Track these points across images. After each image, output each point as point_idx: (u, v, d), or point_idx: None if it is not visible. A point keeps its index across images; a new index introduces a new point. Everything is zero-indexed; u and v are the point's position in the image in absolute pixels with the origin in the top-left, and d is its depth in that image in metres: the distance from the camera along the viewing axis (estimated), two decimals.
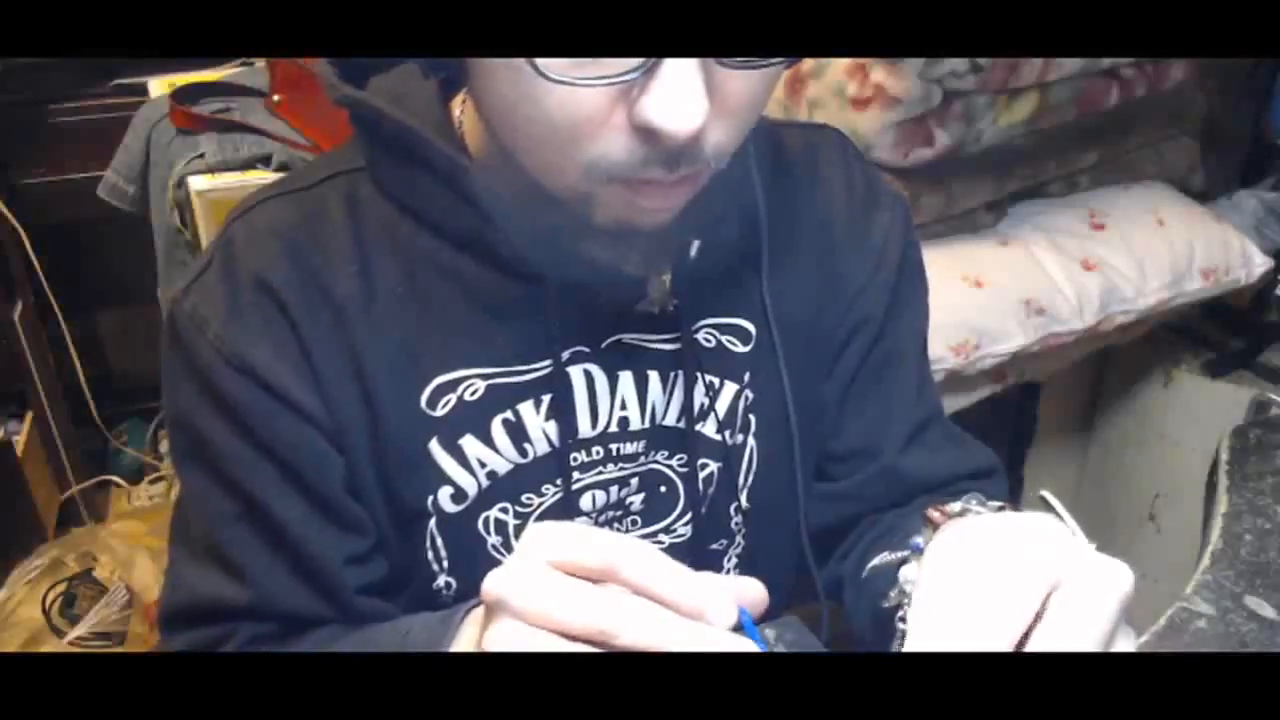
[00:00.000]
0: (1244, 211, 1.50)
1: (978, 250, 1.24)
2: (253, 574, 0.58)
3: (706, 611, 0.41)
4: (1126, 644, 0.43)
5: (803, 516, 0.67)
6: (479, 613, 0.49)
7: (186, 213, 1.32)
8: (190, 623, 0.61)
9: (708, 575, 0.43)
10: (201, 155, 1.32)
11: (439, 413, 0.58)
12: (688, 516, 0.66)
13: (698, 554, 0.67)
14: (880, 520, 0.69)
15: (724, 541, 0.68)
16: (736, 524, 0.68)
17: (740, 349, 0.64)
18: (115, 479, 2.04)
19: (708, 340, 0.63)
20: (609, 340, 0.60)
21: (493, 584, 0.42)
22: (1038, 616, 0.41)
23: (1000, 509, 0.52)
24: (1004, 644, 0.41)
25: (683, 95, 0.44)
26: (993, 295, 1.20)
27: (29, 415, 1.80)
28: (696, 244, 0.59)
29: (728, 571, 0.69)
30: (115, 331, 2.15)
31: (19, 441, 1.74)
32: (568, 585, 0.41)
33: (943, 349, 1.16)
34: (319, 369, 0.56)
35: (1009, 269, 1.22)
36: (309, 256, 0.56)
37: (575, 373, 0.60)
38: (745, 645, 0.42)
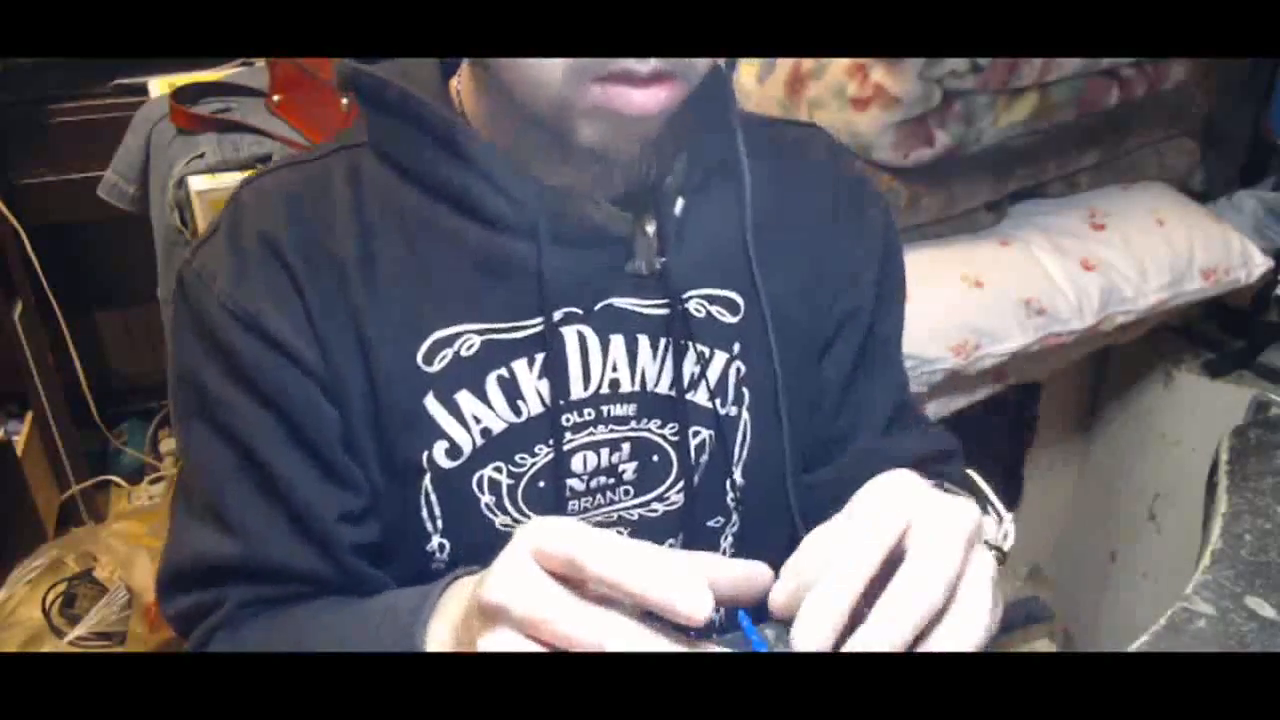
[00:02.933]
0: (1244, 211, 1.50)
1: (978, 250, 1.24)
2: (247, 529, 0.60)
3: (676, 603, 0.41)
4: (984, 571, 0.46)
5: (793, 495, 0.69)
6: (457, 589, 0.51)
7: (186, 213, 1.32)
8: (185, 586, 0.62)
9: (678, 559, 0.43)
10: (201, 155, 1.32)
11: (435, 368, 0.60)
12: (680, 485, 0.67)
13: (692, 529, 0.68)
14: None
15: (720, 519, 0.69)
16: (732, 500, 0.69)
17: (730, 319, 0.66)
18: (115, 479, 2.04)
19: (698, 310, 0.65)
20: (601, 304, 0.62)
21: (491, 592, 0.43)
22: (899, 554, 0.45)
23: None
24: (864, 570, 0.44)
25: None
26: (993, 295, 1.20)
27: (29, 415, 1.80)
28: (681, 201, 0.62)
29: (724, 551, 0.70)
30: (115, 331, 2.15)
31: (19, 441, 1.74)
32: (563, 599, 0.42)
33: (943, 349, 1.16)
34: (320, 325, 0.58)
35: (1009, 269, 1.22)
36: (312, 219, 0.59)
37: (568, 333, 0.62)
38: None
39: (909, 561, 0.45)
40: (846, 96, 1.12)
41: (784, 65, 1.19)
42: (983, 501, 0.59)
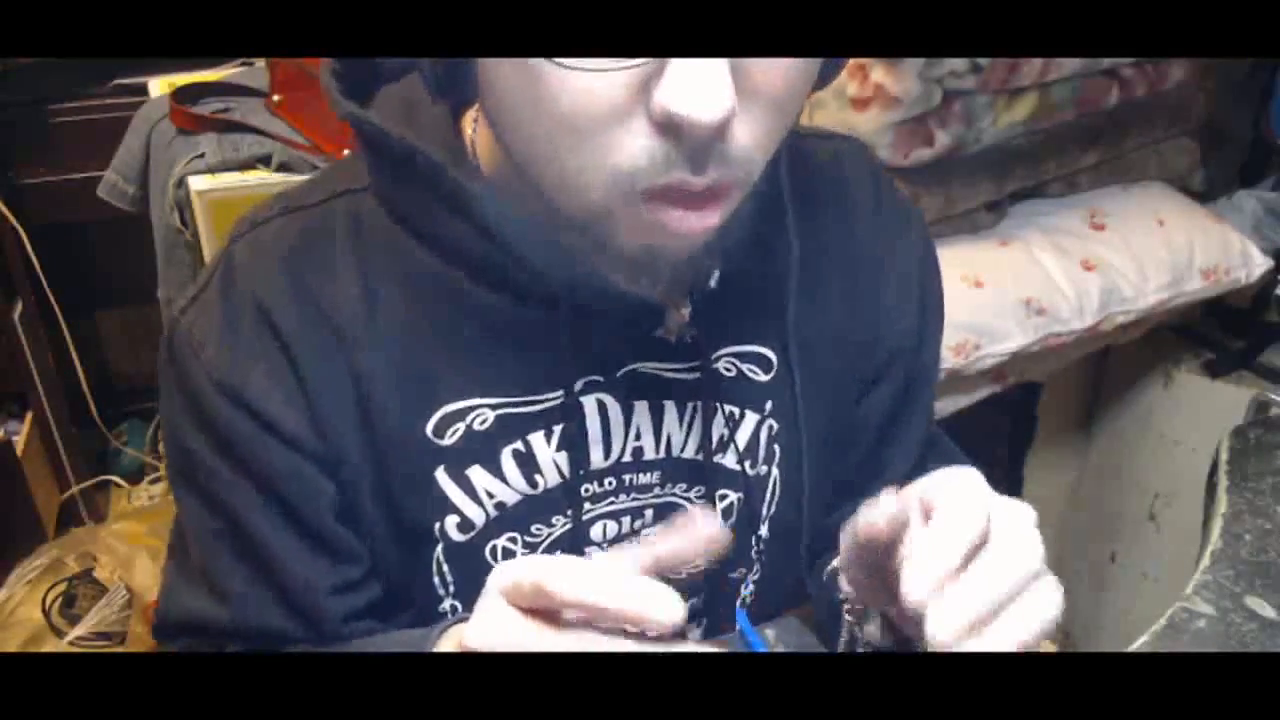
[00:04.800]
0: (1244, 211, 1.50)
1: (978, 250, 1.24)
2: (235, 597, 0.58)
3: (647, 614, 0.40)
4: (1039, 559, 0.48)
5: (804, 548, 0.67)
6: (455, 633, 0.50)
7: (186, 213, 1.32)
8: (181, 635, 0.62)
9: (626, 561, 0.43)
10: (201, 155, 1.32)
11: (446, 441, 0.56)
12: None
13: (715, 582, 0.66)
14: None
15: (743, 570, 0.67)
16: (757, 553, 0.66)
17: (762, 378, 0.62)
18: (115, 479, 2.04)
19: (728, 369, 0.61)
20: (624, 370, 0.58)
21: (475, 639, 0.43)
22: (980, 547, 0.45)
23: None
24: (957, 556, 0.44)
25: (704, 81, 0.41)
26: (993, 295, 1.20)
27: (29, 415, 1.79)
28: (716, 274, 0.58)
29: (743, 599, 0.69)
30: (115, 331, 2.15)
31: (19, 441, 1.74)
32: (539, 631, 0.42)
33: (943, 349, 1.15)
34: (315, 395, 0.55)
35: (1009, 269, 1.22)
36: (310, 279, 0.55)
37: (588, 402, 0.58)
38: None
39: (991, 549, 0.45)
40: (846, 96, 1.12)
41: None
42: None
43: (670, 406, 0.60)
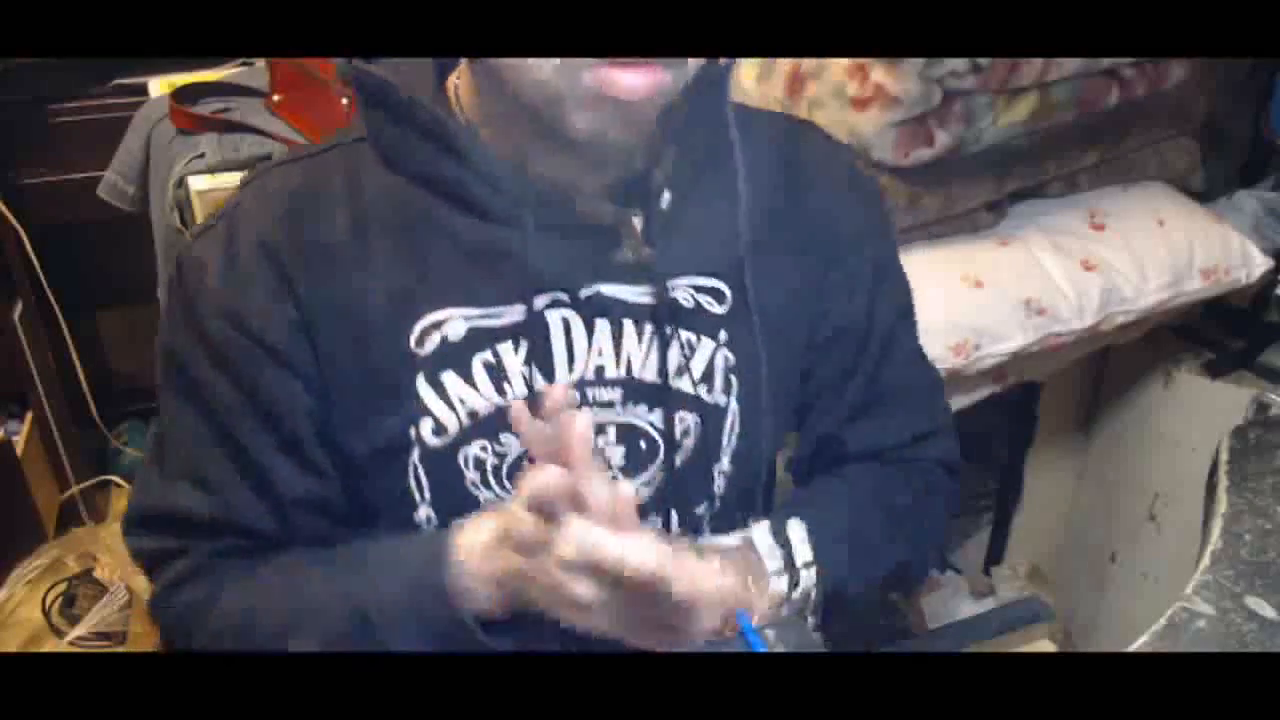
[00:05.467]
0: (1244, 211, 1.50)
1: (978, 250, 1.24)
2: (221, 490, 0.63)
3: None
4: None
5: (768, 483, 0.72)
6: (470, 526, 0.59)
7: (186, 213, 1.32)
8: (152, 529, 0.66)
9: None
10: (201, 155, 1.32)
11: (425, 350, 0.63)
12: (664, 465, 0.68)
13: (680, 514, 0.69)
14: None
15: (706, 504, 0.71)
16: (720, 487, 0.70)
17: (717, 309, 0.67)
18: (115, 479, 2.04)
19: (685, 300, 0.66)
20: (588, 291, 0.64)
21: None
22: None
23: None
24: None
25: None
26: (993, 295, 1.19)
27: (29, 415, 1.80)
28: (668, 194, 0.64)
29: (704, 532, 0.72)
30: (115, 331, 2.15)
31: (19, 441, 1.74)
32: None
33: (943, 349, 1.16)
34: (308, 316, 0.62)
35: (1009, 269, 1.22)
36: (307, 214, 0.63)
37: (554, 318, 0.64)
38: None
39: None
40: (846, 96, 1.12)
41: (784, 65, 1.19)
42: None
43: (629, 326, 0.65)
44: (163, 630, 0.68)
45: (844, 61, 1.11)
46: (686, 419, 0.68)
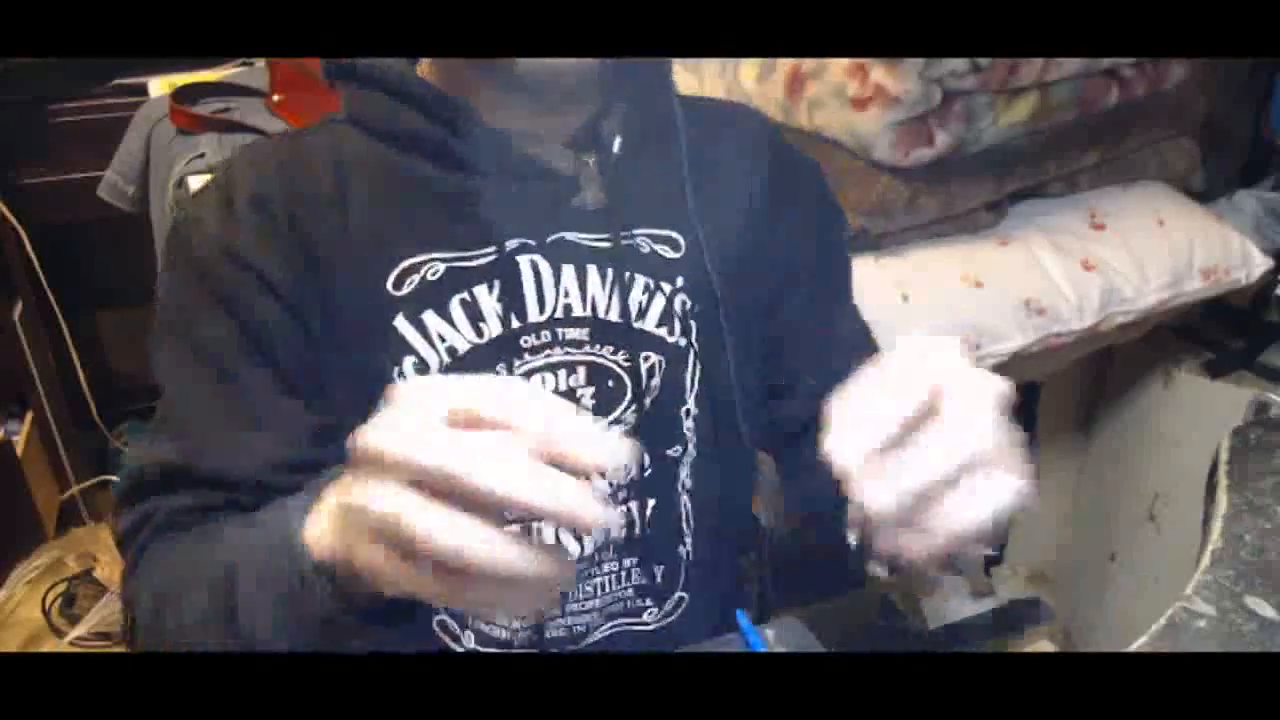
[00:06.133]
0: (1244, 211, 1.50)
1: (978, 250, 1.24)
2: (192, 434, 0.64)
3: (589, 454, 0.39)
4: (1014, 442, 0.45)
5: (744, 425, 0.73)
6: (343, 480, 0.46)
7: None
8: (130, 499, 0.65)
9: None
10: (201, 155, 1.32)
11: (404, 291, 0.66)
12: (634, 406, 0.71)
13: (652, 456, 0.73)
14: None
15: (678, 449, 0.73)
16: (689, 429, 0.73)
17: (671, 255, 0.72)
18: (115, 479, 2.04)
19: (642, 246, 0.71)
20: (553, 237, 0.68)
21: (368, 438, 0.40)
22: (930, 413, 0.44)
23: None
24: (892, 424, 0.43)
25: None
26: (993, 295, 1.19)
27: (29, 415, 1.80)
28: (619, 140, 0.69)
29: (683, 481, 0.74)
30: (115, 331, 2.15)
31: (19, 441, 1.74)
32: (451, 434, 0.39)
33: None
34: (298, 260, 0.65)
35: (1009, 269, 1.22)
36: (297, 174, 0.67)
37: (523, 262, 0.68)
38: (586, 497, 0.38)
39: (938, 423, 0.44)
40: (846, 96, 1.12)
41: (784, 65, 1.19)
42: None
43: (593, 270, 0.69)
44: (127, 616, 0.63)
45: (844, 61, 1.11)
46: (652, 358, 0.71)
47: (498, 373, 0.68)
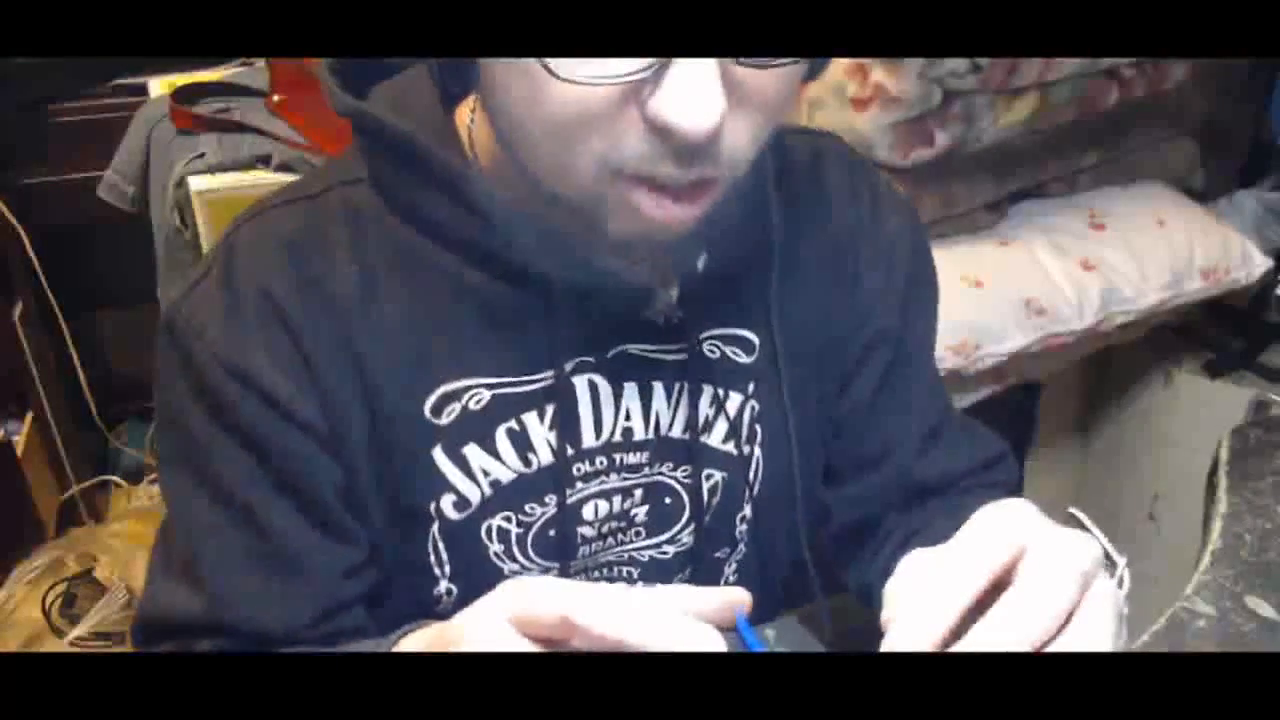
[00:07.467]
0: (1244, 212, 1.50)
1: (978, 250, 1.24)
2: (218, 586, 0.57)
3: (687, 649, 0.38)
4: (1104, 604, 0.43)
5: (800, 520, 0.67)
6: (411, 641, 0.48)
7: (186, 213, 1.32)
8: (156, 640, 0.60)
9: (662, 600, 0.40)
10: (202, 155, 1.32)
11: (443, 421, 0.58)
12: (692, 526, 0.66)
13: (700, 561, 0.67)
14: (905, 521, 0.71)
15: (726, 550, 0.68)
16: (741, 533, 0.68)
17: (744, 360, 0.64)
18: (115, 479, 2.04)
19: (712, 351, 0.63)
20: (614, 351, 0.60)
21: (457, 636, 0.41)
22: (1004, 584, 0.43)
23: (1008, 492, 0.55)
24: (962, 599, 0.42)
25: (698, 92, 0.44)
26: (993, 295, 1.20)
27: (29, 415, 1.79)
28: (703, 258, 0.60)
29: (727, 578, 0.70)
30: (115, 331, 2.15)
31: (19, 441, 1.73)
32: (521, 646, 0.39)
33: (942, 349, 1.16)
34: (318, 376, 0.56)
35: (1009, 269, 1.22)
36: (311, 263, 0.56)
37: (580, 383, 0.60)
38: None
39: (1013, 589, 0.43)
40: (846, 96, 1.12)
41: None
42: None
43: (658, 387, 0.61)
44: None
45: (844, 61, 1.11)
46: (715, 475, 0.65)
47: (545, 504, 0.61)
